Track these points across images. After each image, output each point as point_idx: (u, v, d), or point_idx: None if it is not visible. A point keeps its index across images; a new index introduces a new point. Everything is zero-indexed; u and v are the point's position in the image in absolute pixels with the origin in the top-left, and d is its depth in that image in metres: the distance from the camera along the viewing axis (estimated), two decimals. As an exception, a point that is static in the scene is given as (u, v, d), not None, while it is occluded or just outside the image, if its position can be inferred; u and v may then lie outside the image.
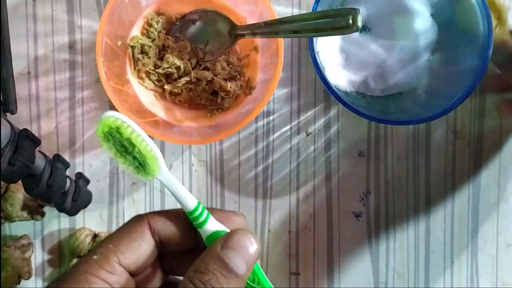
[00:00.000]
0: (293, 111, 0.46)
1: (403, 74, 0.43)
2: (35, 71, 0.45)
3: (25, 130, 0.32)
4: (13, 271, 0.41)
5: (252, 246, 0.23)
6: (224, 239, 0.23)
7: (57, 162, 0.37)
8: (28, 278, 0.43)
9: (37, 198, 0.37)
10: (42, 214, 0.44)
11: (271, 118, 0.45)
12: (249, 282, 0.24)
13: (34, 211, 0.43)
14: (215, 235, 0.25)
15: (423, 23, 0.42)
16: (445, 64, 0.42)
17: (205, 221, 0.25)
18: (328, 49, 0.43)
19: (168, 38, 0.42)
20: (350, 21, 0.33)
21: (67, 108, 0.45)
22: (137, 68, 0.42)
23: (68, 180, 0.39)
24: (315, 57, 0.39)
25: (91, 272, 0.23)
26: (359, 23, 0.33)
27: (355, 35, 0.43)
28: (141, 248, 0.24)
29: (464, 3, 0.39)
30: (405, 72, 0.43)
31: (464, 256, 0.46)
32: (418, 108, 0.41)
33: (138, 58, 0.42)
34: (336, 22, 0.33)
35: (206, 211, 0.25)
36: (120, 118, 0.23)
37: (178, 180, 0.25)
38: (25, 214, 0.42)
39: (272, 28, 0.37)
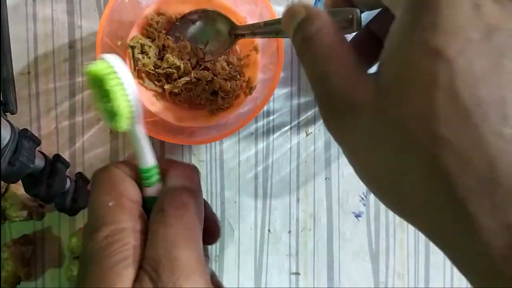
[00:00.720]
0: (293, 111, 0.46)
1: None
2: (35, 71, 0.45)
3: (25, 130, 0.32)
4: (13, 271, 0.41)
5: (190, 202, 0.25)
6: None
7: (57, 162, 0.37)
8: (28, 278, 0.43)
9: (37, 198, 0.37)
10: (42, 214, 0.44)
11: (271, 118, 0.45)
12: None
13: (34, 211, 0.43)
14: (152, 200, 0.26)
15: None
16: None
17: (153, 182, 0.26)
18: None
19: (168, 38, 0.42)
20: (350, 21, 0.33)
21: (67, 108, 0.45)
22: (137, 68, 0.42)
23: (68, 180, 0.39)
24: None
25: (122, 218, 0.23)
26: (358, 23, 0.33)
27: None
28: (134, 184, 0.25)
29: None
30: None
31: (464, 256, 0.46)
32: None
33: (138, 58, 0.42)
34: (336, 22, 0.33)
35: (158, 176, 0.26)
36: (113, 65, 0.24)
37: (145, 136, 0.26)
38: (25, 214, 0.42)
39: (272, 28, 0.37)
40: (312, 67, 0.21)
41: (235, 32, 0.40)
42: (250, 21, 0.42)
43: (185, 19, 0.43)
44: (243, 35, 0.40)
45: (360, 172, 0.19)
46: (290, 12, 0.23)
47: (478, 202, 0.15)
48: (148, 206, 0.26)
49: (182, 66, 0.42)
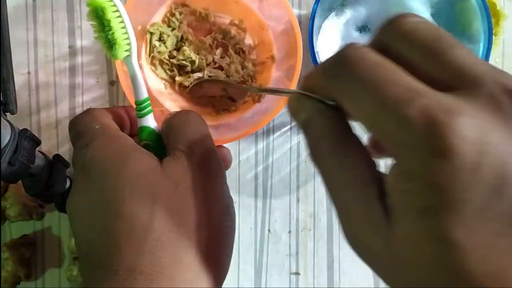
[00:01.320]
0: (293, 111, 0.45)
1: (403, 74, 0.43)
2: (35, 71, 0.45)
3: (25, 130, 0.32)
4: (13, 271, 0.41)
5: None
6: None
7: (57, 162, 0.37)
8: (28, 278, 0.43)
9: (37, 198, 0.37)
10: (42, 214, 0.44)
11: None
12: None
13: (34, 211, 0.43)
14: (146, 129, 0.30)
15: (423, 23, 0.42)
16: (445, 64, 0.42)
17: (146, 113, 0.30)
18: (329, 49, 0.43)
19: (188, 30, 0.42)
20: None
21: (67, 108, 0.45)
22: (152, 55, 0.42)
23: (68, 180, 0.39)
24: (315, 57, 0.39)
25: (114, 131, 0.30)
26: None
27: (356, 35, 0.43)
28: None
29: (464, 3, 0.39)
30: (405, 72, 0.43)
31: (464, 256, 0.46)
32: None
33: (155, 45, 0.42)
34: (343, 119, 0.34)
35: (150, 108, 0.30)
36: (113, 1, 0.27)
37: (139, 72, 0.30)
38: (25, 214, 0.42)
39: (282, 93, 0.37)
40: (323, 176, 0.20)
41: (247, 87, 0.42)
42: (273, 28, 0.43)
43: (200, 86, 0.43)
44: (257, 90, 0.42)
45: None
46: (295, 105, 0.22)
47: None
48: (142, 138, 0.29)
49: (197, 61, 0.42)
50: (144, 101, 0.29)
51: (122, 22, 0.27)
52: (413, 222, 0.16)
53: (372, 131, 0.18)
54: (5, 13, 0.37)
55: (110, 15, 0.26)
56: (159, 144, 0.29)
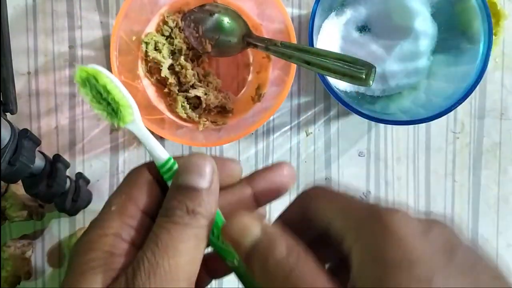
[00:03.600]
0: (293, 111, 0.45)
1: (403, 74, 0.43)
2: (35, 71, 0.45)
3: (25, 130, 0.32)
4: (13, 271, 0.41)
5: (206, 160, 0.23)
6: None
7: (57, 162, 0.37)
8: (28, 278, 0.43)
9: (37, 198, 0.37)
10: (42, 214, 0.44)
11: (271, 118, 0.45)
12: (213, 240, 0.23)
13: (34, 211, 0.43)
14: None
15: (423, 23, 0.42)
16: (445, 64, 0.42)
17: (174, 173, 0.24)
18: (328, 49, 0.43)
19: (181, 42, 0.42)
20: (363, 75, 0.33)
21: (67, 108, 0.45)
22: (148, 64, 0.43)
23: (68, 180, 0.39)
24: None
25: (112, 224, 0.22)
26: (371, 80, 0.33)
27: (355, 34, 0.43)
28: (153, 192, 0.23)
29: (464, 3, 0.39)
30: (405, 72, 0.43)
31: (464, 256, 0.46)
32: (418, 108, 0.42)
33: (150, 55, 0.42)
34: (350, 70, 0.33)
35: (176, 166, 0.25)
36: (99, 69, 0.24)
37: (149, 133, 0.25)
38: (25, 214, 0.42)
39: (287, 50, 0.37)
40: None
41: (249, 40, 0.40)
42: (264, 29, 0.42)
43: (204, 9, 0.42)
44: (256, 46, 0.40)
45: None
46: (239, 226, 0.21)
47: None
48: None
49: (193, 79, 0.42)
50: (168, 160, 0.25)
51: (116, 85, 0.25)
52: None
53: None
54: (5, 13, 0.37)
55: (104, 79, 0.24)
56: None
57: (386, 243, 0.17)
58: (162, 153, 0.25)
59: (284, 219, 0.25)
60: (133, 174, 0.24)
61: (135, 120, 0.25)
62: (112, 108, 0.25)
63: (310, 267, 0.18)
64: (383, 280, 0.17)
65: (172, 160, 0.25)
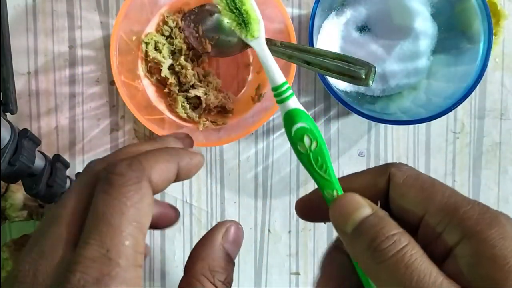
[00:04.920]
0: (293, 111, 0.45)
1: (403, 74, 0.43)
2: (35, 71, 0.45)
3: (25, 130, 0.32)
4: (13, 271, 0.41)
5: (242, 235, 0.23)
6: (223, 231, 0.22)
7: (57, 162, 0.37)
8: (28, 278, 0.43)
9: (37, 198, 0.37)
10: (42, 214, 0.44)
11: (271, 118, 0.45)
12: (316, 169, 0.23)
13: (34, 211, 0.43)
14: (293, 112, 0.25)
15: (423, 23, 0.42)
16: (445, 64, 0.42)
17: (287, 98, 0.25)
18: (328, 49, 0.43)
19: (181, 42, 0.42)
20: (363, 75, 0.33)
21: (67, 108, 0.45)
22: (148, 64, 0.43)
23: (68, 180, 0.39)
24: (315, 57, 0.39)
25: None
26: (371, 80, 0.33)
27: (355, 35, 0.43)
28: (170, 172, 0.21)
29: (464, 3, 0.39)
30: (405, 72, 0.43)
31: (464, 256, 0.46)
32: (418, 108, 0.42)
33: (150, 55, 0.42)
34: (350, 70, 0.34)
35: (290, 91, 0.25)
36: None
37: (270, 54, 0.25)
38: (25, 214, 0.42)
39: (287, 50, 0.37)
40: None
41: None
42: (265, 28, 0.42)
43: (204, 9, 0.42)
44: None
45: None
46: (352, 202, 0.20)
47: None
48: (296, 121, 0.25)
49: (193, 79, 0.42)
50: (283, 85, 0.25)
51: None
52: None
53: None
54: (5, 13, 0.37)
55: None
56: (315, 126, 0.25)
57: (506, 246, 0.17)
58: (278, 76, 0.25)
59: (352, 183, 0.23)
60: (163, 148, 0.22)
61: (260, 38, 0.26)
62: (243, 20, 0.26)
63: (420, 253, 0.18)
64: (502, 282, 0.17)
65: (286, 85, 0.25)
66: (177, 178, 0.22)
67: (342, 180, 0.23)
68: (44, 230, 0.19)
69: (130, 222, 0.18)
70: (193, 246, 0.22)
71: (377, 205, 0.21)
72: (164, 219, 0.23)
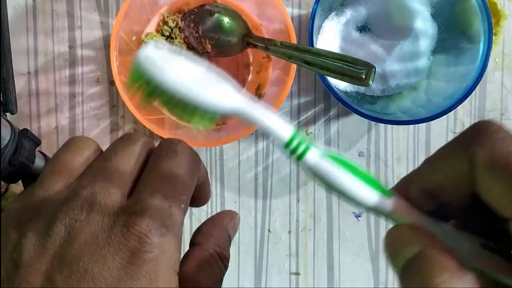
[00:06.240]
0: (293, 111, 0.46)
1: (403, 74, 0.43)
2: (35, 71, 0.45)
3: (25, 130, 0.32)
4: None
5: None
6: (229, 218, 0.25)
7: (57, 162, 0.37)
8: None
9: (37, 198, 0.37)
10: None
11: (271, 118, 0.45)
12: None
13: (34, 211, 0.43)
14: (325, 166, 0.19)
15: (423, 23, 0.42)
16: (445, 64, 0.42)
17: (306, 149, 0.20)
18: (329, 49, 0.43)
19: (181, 42, 0.42)
20: (363, 75, 0.33)
21: (67, 108, 0.45)
22: None
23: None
24: (315, 57, 0.39)
25: None
26: (371, 80, 0.33)
27: (356, 35, 0.43)
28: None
29: (464, 3, 0.39)
30: (405, 72, 0.43)
31: (464, 256, 0.46)
32: (418, 108, 0.42)
33: None
34: (349, 70, 0.33)
35: (308, 142, 0.20)
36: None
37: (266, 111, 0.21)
38: (25, 214, 0.42)
39: (287, 50, 0.37)
40: None
41: (249, 40, 0.40)
42: (264, 29, 0.42)
43: (204, 9, 0.42)
44: (255, 46, 0.40)
45: None
46: (393, 237, 0.18)
47: None
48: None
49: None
50: (293, 137, 0.20)
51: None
52: None
53: None
54: (5, 13, 0.37)
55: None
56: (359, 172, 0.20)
57: None
58: (284, 130, 0.20)
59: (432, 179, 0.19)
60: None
61: (239, 106, 0.21)
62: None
63: None
64: None
65: (298, 136, 0.20)
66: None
67: (418, 176, 0.19)
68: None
69: (188, 188, 0.21)
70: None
71: (470, 199, 0.17)
72: (202, 195, 0.25)
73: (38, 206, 0.19)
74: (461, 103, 0.38)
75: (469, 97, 0.38)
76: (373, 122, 0.46)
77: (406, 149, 0.46)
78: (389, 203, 0.19)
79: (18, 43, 0.44)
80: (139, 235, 0.18)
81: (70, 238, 0.18)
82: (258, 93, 0.43)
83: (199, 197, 0.24)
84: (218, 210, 0.46)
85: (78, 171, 0.21)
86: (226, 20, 0.41)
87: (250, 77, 0.45)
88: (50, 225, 0.18)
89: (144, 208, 0.19)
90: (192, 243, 0.23)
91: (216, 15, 0.42)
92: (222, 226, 0.24)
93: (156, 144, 0.22)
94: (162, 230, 0.18)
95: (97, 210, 0.18)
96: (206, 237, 0.23)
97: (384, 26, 0.43)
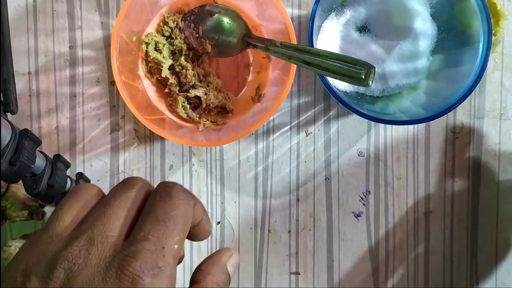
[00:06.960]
0: (293, 111, 0.46)
1: (402, 74, 0.43)
2: (36, 71, 0.45)
3: (26, 130, 0.32)
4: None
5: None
6: (228, 255, 0.26)
7: (58, 162, 0.37)
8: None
9: (38, 198, 0.37)
10: (43, 214, 0.44)
11: (271, 118, 0.45)
12: None
13: (35, 211, 0.43)
14: None
15: (423, 23, 0.42)
16: (445, 64, 0.43)
17: None
18: (328, 50, 0.43)
19: (182, 42, 0.42)
20: (363, 76, 0.33)
21: (68, 108, 0.45)
22: (149, 65, 0.43)
23: (68, 180, 0.39)
24: (315, 57, 0.39)
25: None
26: (370, 81, 0.33)
27: (355, 35, 0.43)
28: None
29: (464, 3, 0.39)
30: (405, 72, 0.43)
31: (464, 256, 0.47)
32: (418, 108, 0.42)
33: (151, 55, 0.42)
34: (349, 71, 0.33)
35: None
36: None
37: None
38: (25, 214, 0.42)
39: (287, 51, 0.37)
40: None
41: (249, 40, 0.40)
42: (264, 29, 0.42)
43: (204, 9, 0.42)
44: (255, 46, 0.40)
45: None
46: None
47: None
48: None
49: (193, 80, 0.42)
50: None
51: None
52: None
53: None
54: (5, 13, 0.37)
55: None
56: None
57: None
58: None
59: None
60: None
61: None
62: None
63: None
64: None
65: None
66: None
67: None
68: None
69: (182, 229, 0.22)
70: (198, 261, 0.25)
71: None
72: (202, 232, 0.26)
73: (42, 250, 0.21)
74: (460, 103, 0.38)
75: (469, 97, 0.38)
76: (372, 122, 0.46)
77: (406, 149, 0.46)
78: None
79: (18, 43, 0.44)
80: (132, 276, 0.19)
81: (69, 281, 0.19)
82: (258, 93, 0.43)
83: (198, 234, 0.26)
84: (218, 210, 0.46)
85: (80, 216, 0.23)
86: (226, 20, 0.42)
87: (250, 77, 0.45)
88: (51, 268, 0.19)
89: (138, 250, 0.20)
90: (192, 281, 0.25)
91: (216, 15, 0.42)
92: (220, 264, 0.25)
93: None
94: (155, 270, 0.20)
95: (94, 253, 0.20)
96: (204, 275, 0.24)
97: (384, 26, 0.43)
